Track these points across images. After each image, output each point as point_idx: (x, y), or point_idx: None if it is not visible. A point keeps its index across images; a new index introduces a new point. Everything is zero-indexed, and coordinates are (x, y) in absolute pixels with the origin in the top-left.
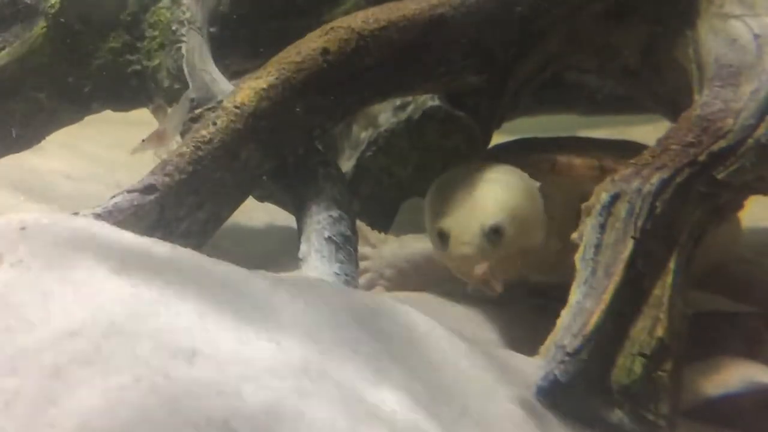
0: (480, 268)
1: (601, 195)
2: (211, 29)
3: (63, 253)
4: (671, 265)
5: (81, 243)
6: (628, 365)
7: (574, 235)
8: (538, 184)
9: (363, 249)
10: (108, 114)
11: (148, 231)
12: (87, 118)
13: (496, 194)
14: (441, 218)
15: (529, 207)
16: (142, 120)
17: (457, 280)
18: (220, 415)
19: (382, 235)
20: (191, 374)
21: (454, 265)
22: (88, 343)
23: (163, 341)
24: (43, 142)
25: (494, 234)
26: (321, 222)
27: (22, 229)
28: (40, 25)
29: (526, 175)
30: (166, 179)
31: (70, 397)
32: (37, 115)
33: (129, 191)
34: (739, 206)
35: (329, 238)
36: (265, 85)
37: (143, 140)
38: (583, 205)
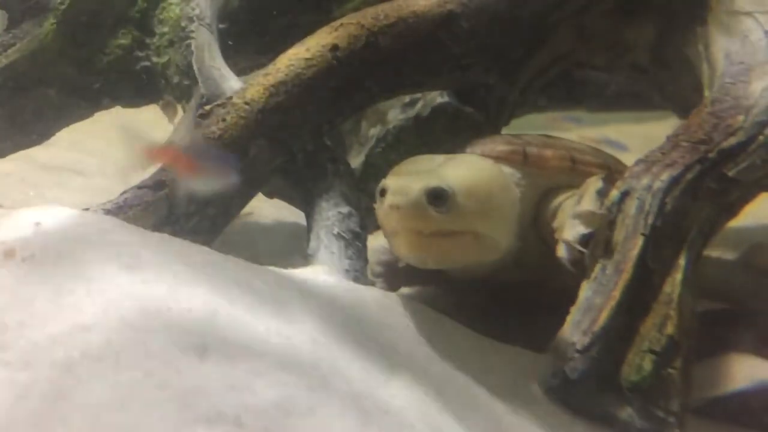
0: (407, 224)
1: (612, 192)
2: (221, 26)
3: (74, 248)
4: (681, 262)
5: (92, 238)
6: (637, 362)
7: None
8: (517, 175)
9: None
10: (118, 110)
11: (158, 227)
12: (96, 114)
13: (456, 166)
14: (387, 177)
15: (495, 192)
16: (152, 116)
17: (451, 275)
18: (231, 410)
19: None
20: (202, 369)
21: (386, 221)
22: (99, 337)
23: (174, 336)
24: (52, 138)
25: (437, 199)
26: (330, 218)
27: (35, 224)
28: (49, 22)
29: (500, 166)
30: None
31: (81, 392)
32: (47, 111)
33: (139, 187)
34: (749, 203)
35: (338, 234)
36: (274, 82)
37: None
38: (558, 201)
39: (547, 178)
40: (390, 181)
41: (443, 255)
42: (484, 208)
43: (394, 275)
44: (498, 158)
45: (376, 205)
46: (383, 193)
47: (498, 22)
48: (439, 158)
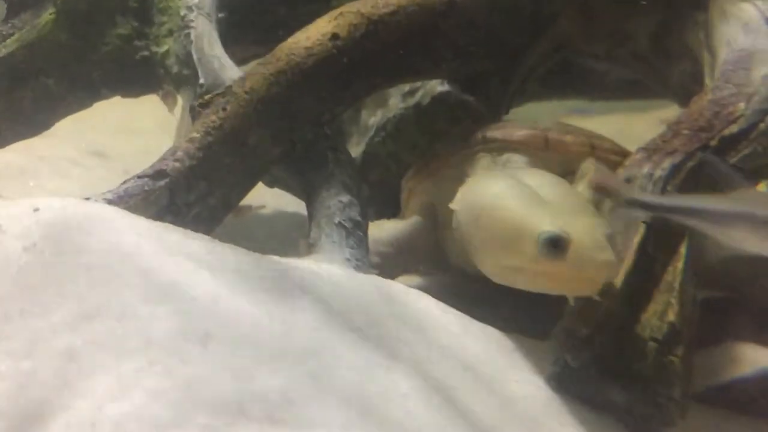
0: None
1: None
2: (220, 15)
3: (76, 237)
4: (682, 250)
5: (93, 227)
6: (639, 350)
7: None
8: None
9: None
10: (117, 100)
11: (159, 216)
12: (96, 105)
13: (583, 198)
14: (542, 222)
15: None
16: (151, 106)
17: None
18: (234, 398)
19: None
20: (205, 357)
21: (574, 275)
22: (102, 326)
23: (177, 325)
24: (52, 129)
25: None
26: (331, 207)
27: (35, 213)
28: (48, 11)
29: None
30: (177, 165)
31: (84, 381)
32: (46, 102)
33: (140, 177)
34: None
35: (339, 223)
36: (274, 71)
37: None
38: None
39: (566, 164)
40: (571, 230)
41: None
42: None
43: (392, 266)
44: (518, 143)
45: (521, 253)
46: (557, 244)
47: (498, 10)
48: (527, 178)
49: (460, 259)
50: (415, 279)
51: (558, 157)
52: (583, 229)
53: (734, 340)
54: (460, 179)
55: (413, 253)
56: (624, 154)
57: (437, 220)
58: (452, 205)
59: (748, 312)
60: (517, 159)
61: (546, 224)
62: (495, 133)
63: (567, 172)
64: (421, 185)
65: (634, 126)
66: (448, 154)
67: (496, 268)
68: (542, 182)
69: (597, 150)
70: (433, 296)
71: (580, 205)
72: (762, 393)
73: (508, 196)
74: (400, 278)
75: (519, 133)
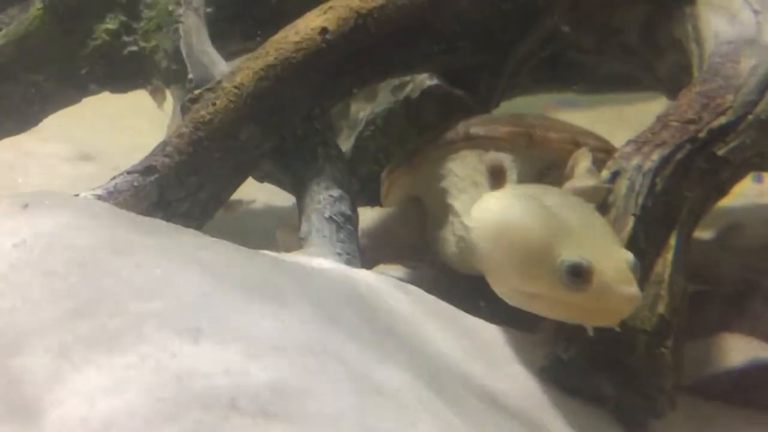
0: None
1: (602, 172)
2: (208, 10)
3: (65, 233)
4: (672, 241)
5: (83, 224)
6: (629, 342)
7: None
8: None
9: None
10: (105, 96)
11: (149, 212)
12: (85, 100)
13: (605, 223)
14: (565, 250)
15: None
16: (139, 101)
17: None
18: (226, 392)
19: None
20: (197, 353)
21: (596, 307)
22: (93, 322)
23: (168, 320)
24: (40, 125)
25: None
26: (321, 202)
27: (25, 209)
28: (36, 7)
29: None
30: (166, 160)
31: (76, 377)
32: (34, 98)
33: (129, 172)
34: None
35: (330, 217)
36: (263, 65)
37: None
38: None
39: (548, 160)
40: (594, 259)
41: None
42: None
43: (372, 256)
44: (501, 139)
45: (541, 281)
46: (579, 273)
47: (487, 4)
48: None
49: (459, 262)
50: (401, 271)
51: (542, 154)
52: (607, 258)
53: (724, 331)
54: (445, 176)
55: (392, 244)
56: (608, 150)
57: (424, 215)
58: (469, 222)
59: (736, 304)
60: (504, 157)
61: (569, 252)
62: (478, 129)
63: (551, 167)
64: (402, 179)
65: (624, 118)
66: (430, 149)
67: (513, 292)
68: (563, 203)
69: (581, 147)
70: (423, 289)
71: (602, 231)
72: (751, 384)
73: (528, 219)
74: (381, 267)
75: (503, 129)
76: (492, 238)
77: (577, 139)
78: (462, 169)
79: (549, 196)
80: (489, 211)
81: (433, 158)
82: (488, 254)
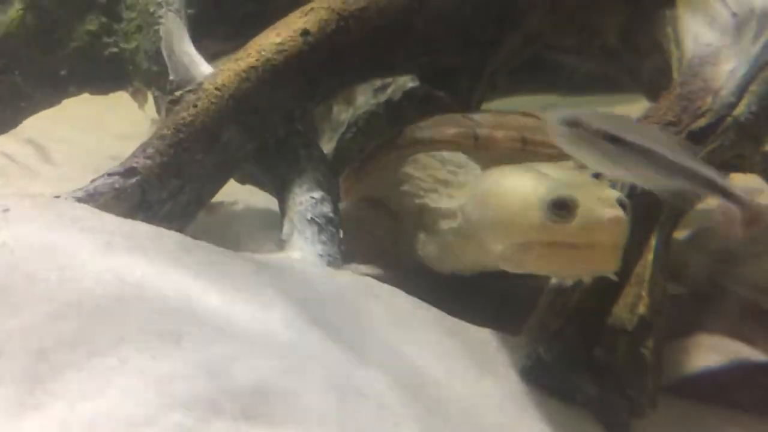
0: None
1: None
2: (189, 11)
3: (46, 235)
4: (652, 243)
5: (64, 226)
6: (610, 342)
7: None
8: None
9: None
10: (85, 97)
11: (130, 214)
12: (65, 101)
13: (599, 182)
14: (547, 189)
15: None
16: (120, 103)
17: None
18: (208, 394)
19: None
20: (178, 355)
21: (585, 240)
22: (73, 325)
23: (149, 323)
24: (19, 127)
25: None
26: (303, 203)
27: (5, 212)
28: (16, 8)
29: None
30: (148, 162)
31: (56, 380)
32: (13, 99)
33: (110, 174)
34: None
35: (312, 219)
36: (245, 67)
37: None
38: None
39: (499, 159)
40: (577, 194)
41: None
42: None
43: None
44: (448, 142)
45: (532, 221)
46: (563, 206)
47: (468, 6)
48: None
49: (438, 260)
50: (389, 273)
51: (489, 154)
52: (590, 192)
53: (703, 332)
54: (404, 180)
55: (366, 246)
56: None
57: (392, 218)
58: (459, 202)
59: (716, 305)
60: (457, 156)
61: (550, 190)
62: (424, 133)
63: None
64: (357, 185)
65: None
66: (381, 155)
67: (507, 249)
68: (556, 170)
69: (528, 144)
70: (404, 290)
71: (587, 179)
72: (732, 384)
73: (511, 175)
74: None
75: (448, 131)
76: (480, 204)
77: (524, 136)
78: (420, 171)
79: (542, 167)
80: (480, 181)
81: (384, 163)
82: (482, 217)
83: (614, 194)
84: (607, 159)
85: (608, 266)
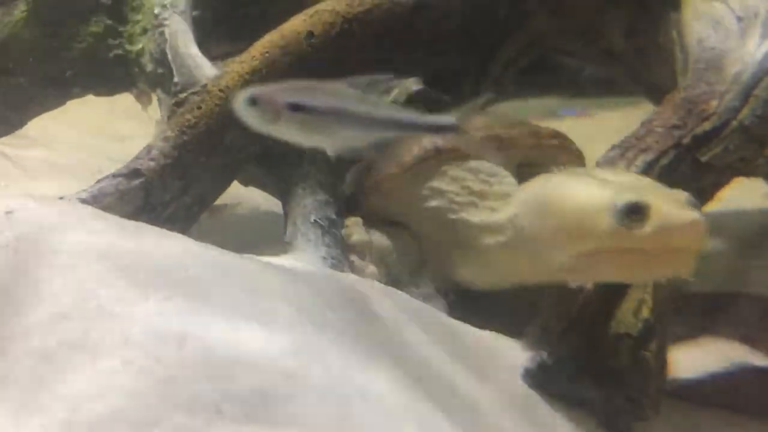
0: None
1: None
2: (194, 13)
3: (51, 237)
4: None
5: (67, 227)
6: (613, 346)
7: None
8: None
9: None
10: (89, 99)
11: (134, 215)
12: (69, 103)
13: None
14: (615, 194)
15: None
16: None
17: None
18: (211, 397)
19: None
20: (181, 358)
21: (660, 244)
22: (77, 326)
23: (153, 325)
24: (23, 128)
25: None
26: (307, 206)
27: (8, 213)
28: (20, 9)
29: None
30: (152, 164)
31: (60, 381)
32: (18, 100)
33: (114, 176)
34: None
35: (315, 221)
36: (249, 69)
37: None
38: None
39: (515, 160)
40: (648, 198)
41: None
42: None
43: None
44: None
45: (600, 227)
46: (635, 210)
47: (472, 7)
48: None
49: (482, 277)
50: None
51: (509, 155)
52: (661, 194)
53: (707, 335)
54: (432, 196)
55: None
56: (535, 145)
57: (417, 243)
58: (507, 214)
59: (719, 308)
60: (485, 165)
61: (619, 195)
62: (446, 141)
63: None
64: (376, 205)
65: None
66: (400, 172)
67: (572, 259)
68: (606, 173)
69: (504, 141)
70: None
71: (649, 181)
72: (734, 387)
73: (572, 181)
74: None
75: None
76: (538, 211)
77: (499, 134)
78: (451, 185)
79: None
80: (531, 189)
81: (404, 183)
82: (540, 228)
83: (684, 196)
84: (298, 129)
85: (685, 270)
